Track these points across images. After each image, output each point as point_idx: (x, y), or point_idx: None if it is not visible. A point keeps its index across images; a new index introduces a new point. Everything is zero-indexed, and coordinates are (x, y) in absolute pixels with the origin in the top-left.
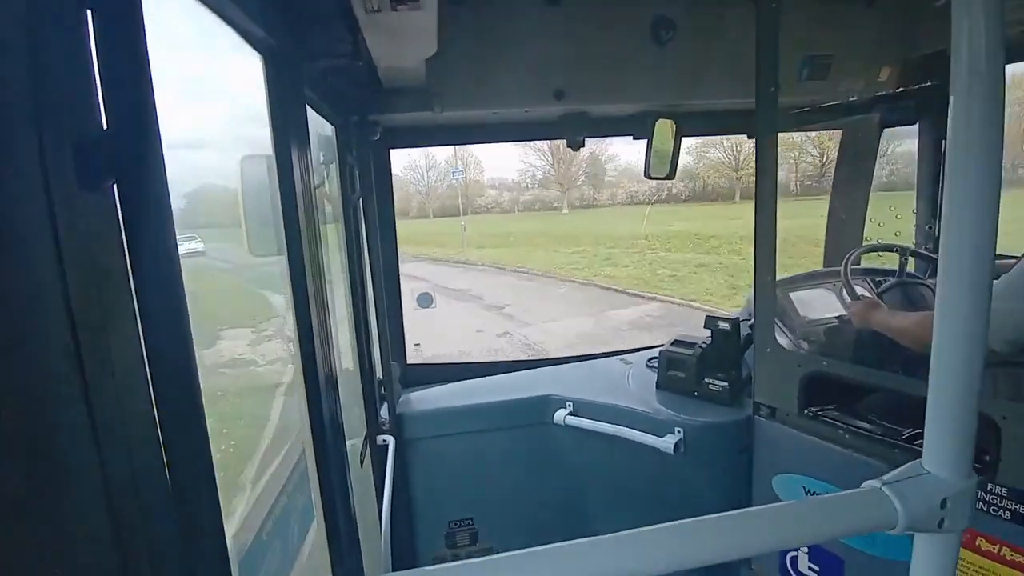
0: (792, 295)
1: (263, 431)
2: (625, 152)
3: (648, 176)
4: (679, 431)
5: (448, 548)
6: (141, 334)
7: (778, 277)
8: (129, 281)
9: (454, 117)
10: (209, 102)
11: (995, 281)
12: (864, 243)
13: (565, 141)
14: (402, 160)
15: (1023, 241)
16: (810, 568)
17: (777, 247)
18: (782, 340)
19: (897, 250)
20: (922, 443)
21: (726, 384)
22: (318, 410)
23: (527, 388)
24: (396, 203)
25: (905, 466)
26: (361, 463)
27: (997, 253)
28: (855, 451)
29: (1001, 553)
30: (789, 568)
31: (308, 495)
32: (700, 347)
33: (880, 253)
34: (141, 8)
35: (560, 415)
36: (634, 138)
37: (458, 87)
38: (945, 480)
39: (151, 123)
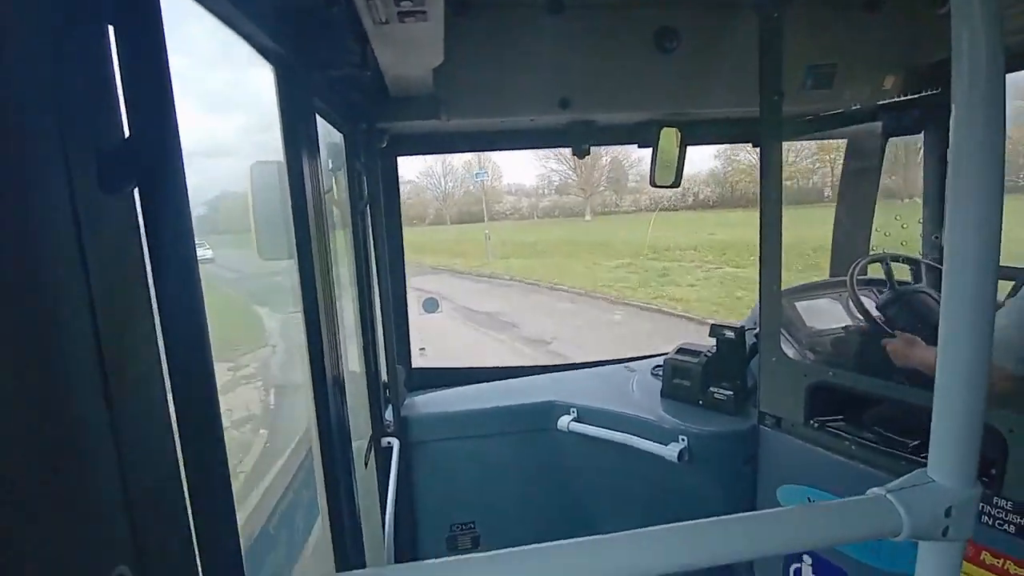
0: (798, 304)
1: None
2: (649, 157)
3: (653, 184)
4: (683, 439)
5: (450, 551)
6: (160, 335)
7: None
8: (148, 284)
9: (460, 125)
10: (230, 113)
11: (1013, 299)
12: (871, 252)
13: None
14: (418, 165)
15: None
16: None
17: (783, 256)
18: (788, 350)
19: (903, 260)
20: (927, 454)
21: (731, 393)
22: (325, 411)
23: (531, 394)
24: (412, 209)
25: (910, 474)
26: (365, 464)
27: (1001, 264)
28: (861, 462)
29: (1005, 567)
30: None
31: (314, 493)
32: (705, 356)
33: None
34: (161, 22)
35: (564, 421)
36: (639, 146)
37: (464, 96)
38: (950, 489)
39: (171, 130)
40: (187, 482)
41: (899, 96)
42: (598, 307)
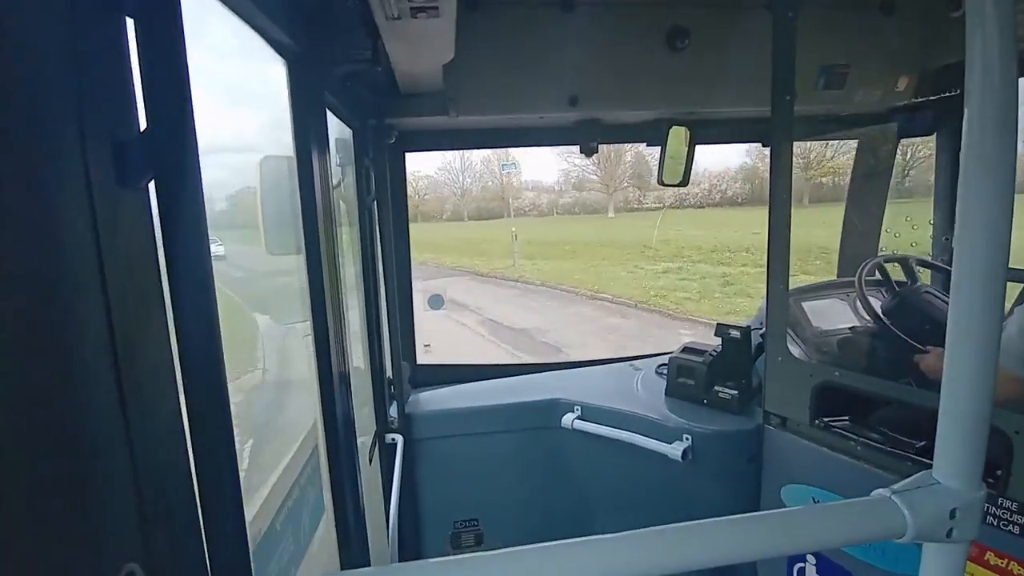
0: (804, 305)
1: None
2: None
3: (661, 183)
4: (687, 438)
5: (453, 548)
6: (173, 330)
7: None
8: (161, 276)
9: (469, 122)
10: (256, 108)
11: (1021, 308)
12: (880, 253)
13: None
14: (436, 160)
15: None
16: None
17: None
18: (794, 350)
19: (912, 261)
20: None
21: (736, 392)
22: (331, 406)
23: (536, 391)
24: (429, 205)
25: (915, 476)
26: (370, 461)
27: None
28: (866, 463)
29: (1009, 568)
30: None
31: (320, 489)
32: (710, 355)
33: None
34: (180, 15)
35: (568, 419)
36: (648, 145)
37: (474, 92)
38: (955, 490)
39: (187, 124)
40: (197, 480)
41: (912, 98)
42: (660, 325)
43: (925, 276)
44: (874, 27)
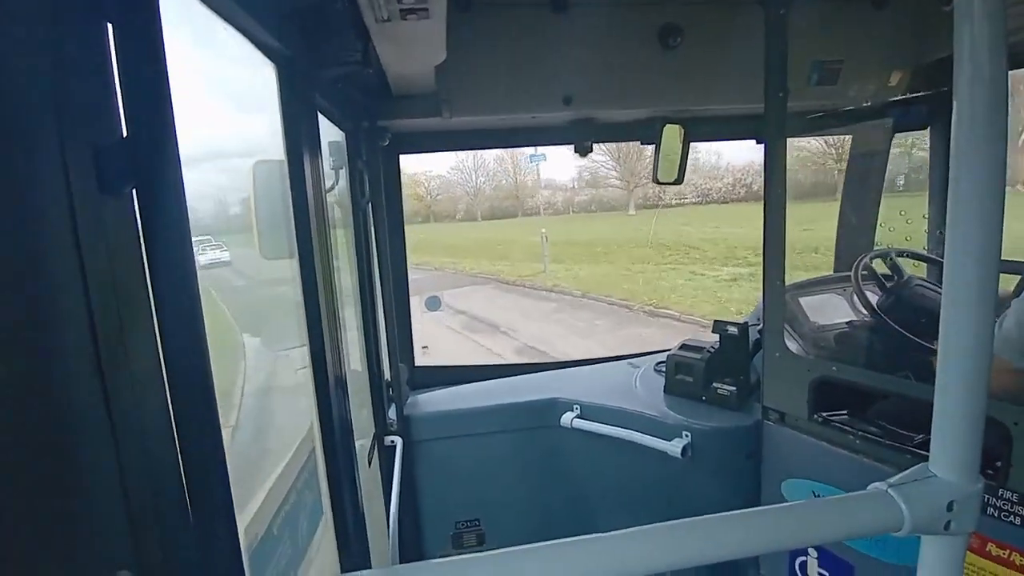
0: (802, 300)
1: None
2: (695, 145)
3: (656, 181)
4: (687, 435)
5: (455, 549)
6: (158, 335)
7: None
8: (147, 284)
9: (462, 123)
10: (263, 112)
11: (1016, 300)
12: (875, 248)
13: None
14: (449, 161)
15: None
16: (819, 573)
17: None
18: (791, 345)
19: (908, 255)
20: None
21: (734, 389)
22: (328, 410)
23: (534, 391)
24: (441, 205)
25: (912, 469)
26: (369, 463)
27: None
28: (865, 456)
29: (1011, 558)
30: (798, 572)
31: (317, 493)
32: (708, 351)
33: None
34: (159, 20)
35: (567, 418)
36: (642, 143)
37: (467, 93)
38: (952, 483)
39: (169, 130)
40: (186, 485)
41: (905, 93)
42: None
43: (921, 270)
44: (866, 21)
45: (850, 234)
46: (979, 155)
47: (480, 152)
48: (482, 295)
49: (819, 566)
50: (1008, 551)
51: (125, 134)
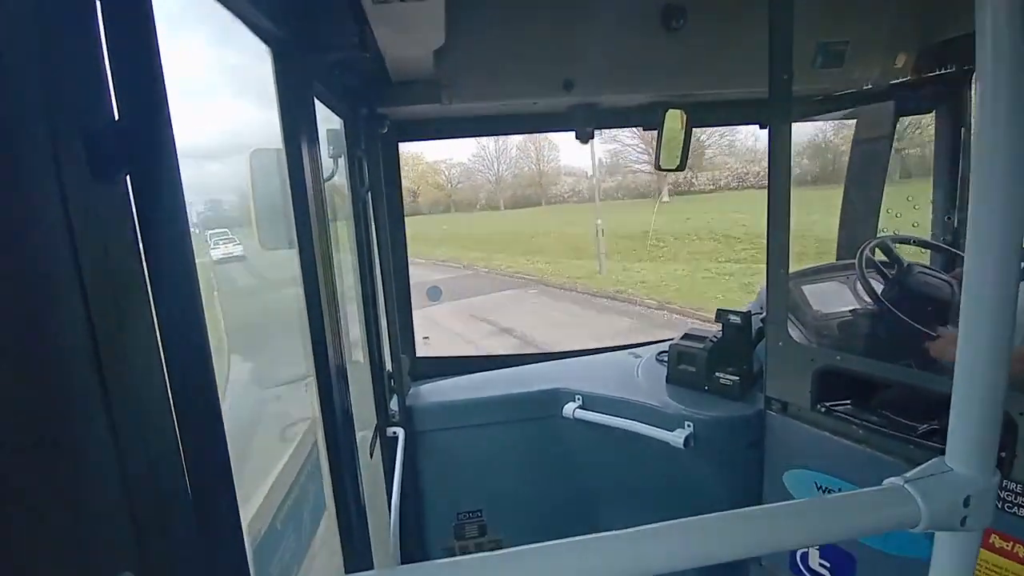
0: (805, 288)
1: None
2: (732, 128)
3: (658, 168)
4: (689, 425)
5: (457, 539)
6: (156, 325)
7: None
8: (143, 272)
9: (463, 109)
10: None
11: None
12: (879, 235)
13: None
14: (470, 148)
15: None
16: (821, 564)
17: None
18: (794, 334)
19: (913, 242)
20: (937, 439)
21: (737, 378)
22: (329, 401)
23: (536, 381)
24: (461, 193)
25: (928, 463)
26: (371, 454)
27: None
28: (868, 446)
29: (1015, 551)
30: (800, 564)
31: (320, 485)
32: (711, 341)
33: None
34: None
35: (569, 408)
36: (644, 129)
37: (466, 79)
38: (969, 477)
39: (163, 114)
40: (190, 484)
41: (911, 75)
42: None
43: (925, 257)
44: (872, 2)
45: (853, 221)
46: (1003, 139)
47: (502, 138)
48: (529, 304)
49: (820, 557)
50: (1012, 543)
51: (117, 118)
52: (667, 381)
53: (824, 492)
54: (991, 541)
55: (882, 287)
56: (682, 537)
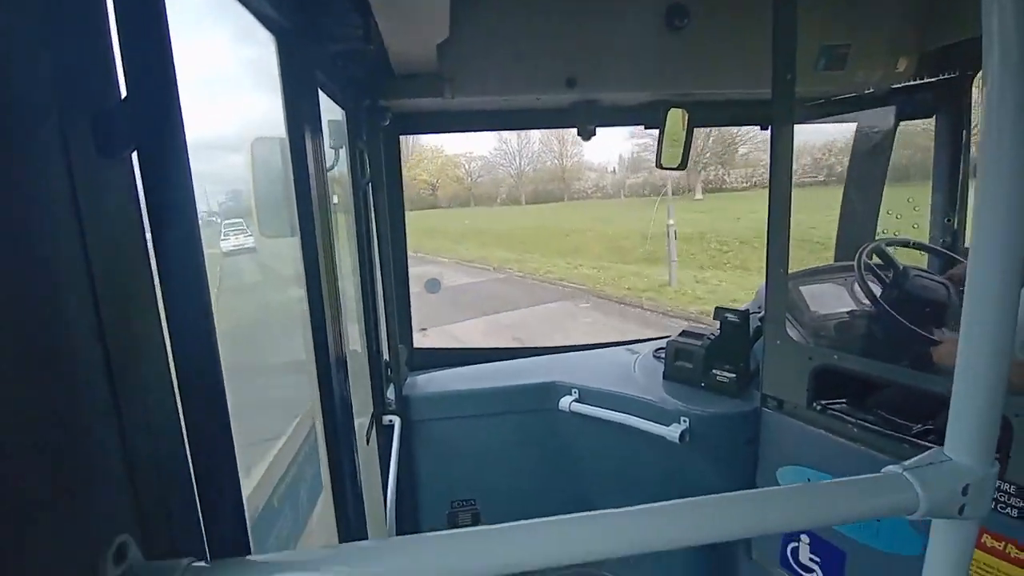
0: (803, 288)
1: None
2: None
3: (660, 166)
4: (685, 420)
5: (450, 528)
6: (160, 300)
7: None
8: (149, 251)
9: (464, 103)
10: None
11: None
12: (878, 237)
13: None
14: (491, 141)
15: None
16: (811, 559)
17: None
18: (792, 333)
19: (913, 245)
20: (932, 439)
21: (734, 376)
22: (328, 387)
23: (533, 374)
24: (481, 188)
25: (927, 452)
26: (368, 441)
27: None
28: (863, 444)
29: (1007, 550)
30: (790, 559)
31: (317, 468)
32: (708, 338)
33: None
34: None
35: (565, 402)
36: (645, 127)
37: (469, 73)
38: (968, 467)
39: (171, 91)
40: (190, 449)
41: (913, 79)
42: None
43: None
44: (875, 5)
45: (852, 223)
46: (1009, 143)
47: (524, 132)
48: (583, 324)
49: (811, 552)
50: (1004, 543)
51: (124, 95)
52: (664, 377)
53: None
54: (983, 540)
55: (880, 290)
56: (684, 516)
